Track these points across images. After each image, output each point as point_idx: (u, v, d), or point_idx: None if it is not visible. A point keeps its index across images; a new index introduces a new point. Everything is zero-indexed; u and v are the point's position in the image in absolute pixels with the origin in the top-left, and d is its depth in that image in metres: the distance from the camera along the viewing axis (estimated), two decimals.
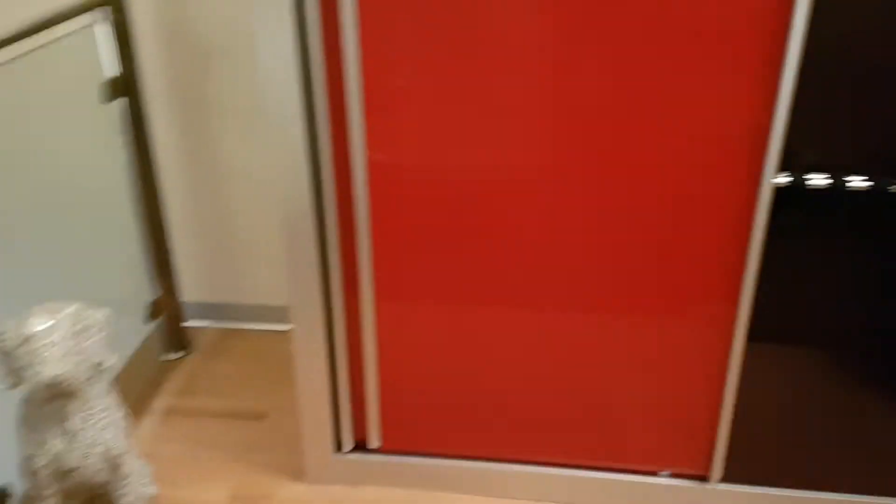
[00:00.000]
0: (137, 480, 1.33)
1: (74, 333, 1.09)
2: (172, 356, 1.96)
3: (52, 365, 1.04)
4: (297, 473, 1.58)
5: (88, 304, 1.16)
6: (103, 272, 1.73)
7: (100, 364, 1.14)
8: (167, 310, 1.93)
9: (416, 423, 1.50)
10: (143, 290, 1.87)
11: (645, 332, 1.34)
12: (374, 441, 1.52)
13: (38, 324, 1.07)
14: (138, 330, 1.85)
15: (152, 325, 1.90)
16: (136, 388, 1.83)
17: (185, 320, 1.99)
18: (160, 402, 1.81)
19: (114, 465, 1.20)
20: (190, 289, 2.02)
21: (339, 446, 1.53)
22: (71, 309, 1.11)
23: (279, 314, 2.03)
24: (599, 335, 1.36)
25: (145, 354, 1.87)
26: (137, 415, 1.77)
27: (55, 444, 1.14)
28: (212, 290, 2.05)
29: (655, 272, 1.29)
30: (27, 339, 1.06)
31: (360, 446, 1.54)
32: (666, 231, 1.26)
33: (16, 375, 1.09)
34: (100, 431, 1.17)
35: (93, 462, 1.17)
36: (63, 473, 1.16)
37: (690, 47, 1.13)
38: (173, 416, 1.77)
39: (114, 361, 1.17)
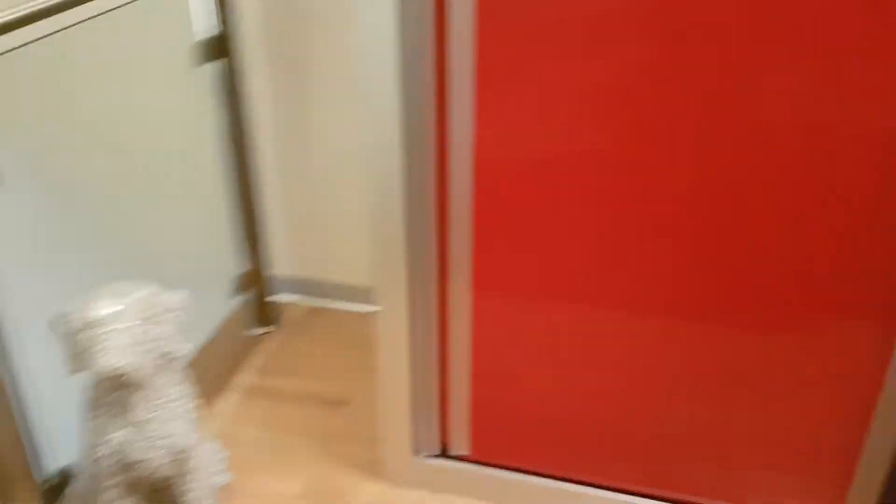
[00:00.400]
0: (207, 471, 1.26)
1: (144, 320, 1.01)
2: (258, 331, 1.89)
3: (115, 354, 0.96)
4: (376, 471, 1.48)
5: (162, 288, 1.07)
6: (192, 243, 1.66)
7: (170, 353, 1.06)
8: (255, 283, 1.85)
9: (509, 433, 1.36)
10: (231, 263, 1.80)
11: (781, 347, 1.15)
12: (460, 448, 1.39)
13: (105, 308, 0.99)
14: (225, 303, 1.79)
15: (239, 299, 1.83)
16: (220, 363, 1.77)
17: (273, 295, 1.92)
18: (242, 380, 1.74)
19: (180, 459, 1.12)
20: (279, 263, 1.94)
21: (421, 449, 1.42)
22: (141, 293, 1.02)
23: (370, 295, 1.93)
24: (725, 349, 1.18)
25: (231, 329, 1.81)
26: (219, 392, 1.70)
27: (119, 435, 1.06)
28: (301, 264, 1.97)
29: (803, 278, 1.09)
30: (91, 324, 0.98)
31: (446, 451, 1.41)
32: (823, 233, 1.06)
33: (78, 360, 1.01)
34: (167, 424, 1.09)
35: (158, 455, 1.09)
36: (126, 465, 1.09)
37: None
38: (254, 396, 1.69)
39: (186, 350, 1.08)
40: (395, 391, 1.35)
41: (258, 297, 1.87)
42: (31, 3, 1.07)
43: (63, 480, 1.26)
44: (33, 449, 1.17)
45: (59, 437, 1.29)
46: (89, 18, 1.24)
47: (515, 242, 1.19)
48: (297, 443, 1.56)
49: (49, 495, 1.22)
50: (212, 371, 1.73)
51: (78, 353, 1.00)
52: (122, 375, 0.97)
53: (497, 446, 1.38)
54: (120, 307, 0.99)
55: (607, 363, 1.24)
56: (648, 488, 1.33)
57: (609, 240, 1.14)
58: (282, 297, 1.99)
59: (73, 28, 1.21)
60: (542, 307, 1.22)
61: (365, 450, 1.53)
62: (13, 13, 1.05)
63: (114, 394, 1.04)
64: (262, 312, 1.89)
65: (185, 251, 1.63)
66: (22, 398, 1.14)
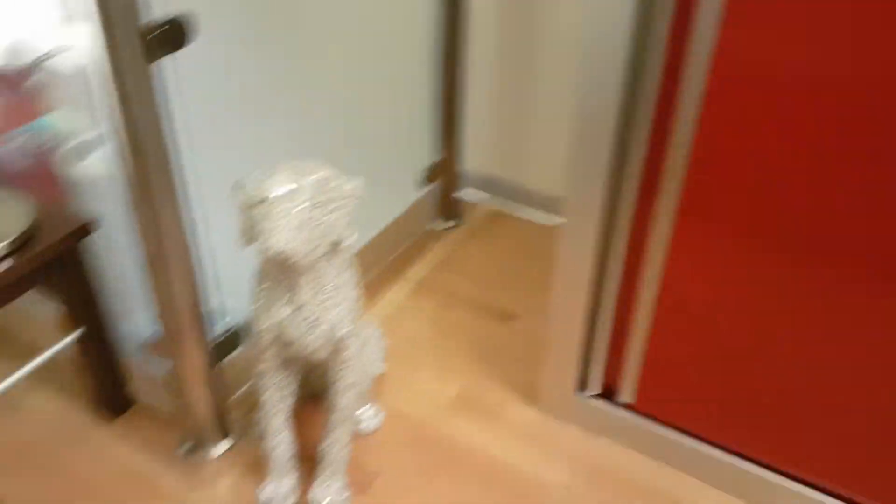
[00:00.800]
0: (365, 358, 1.24)
1: (316, 204, 0.96)
2: (439, 226, 1.85)
3: (282, 237, 0.93)
4: (532, 396, 1.41)
5: (343, 172, 1.02)
6: (388, 125, 1.62)
7: (339, 241, 1.02)
8: (444, 176, 1.79)
9: (680, 389, 1.22)
10: (424, 152, 1.75)
11: None
12: (624, 393, 1.28)
13: (280, 186, 0.95)
14: (411, 192, 1.75)
15: (425, 190, 1.78)
16: (396, 252, 1.75)
17: (460, 191, 1.85)
18: (415, 273, 1.72)
19: (337, 346, 1.11)
20: (472, 159, 1.86)
21: (583, 385, 1.32)
22: (319, 175, 0.98)
23: (559, 206, 1.81)
24: None
25: (412, 219, 1.78)
26: (390, 282, 1.69)
27: (280, 312, 1.05)
28: (494, 164, 1.88)
29: None
30: (264, 201, 0.95)
31: (609, 394, 1.31)
32: None
33: (249, 235, 1.00)
34: (327, 309, 1.06)
35: (315, 339, 1.07)
36: (284, 342, 1.08)
37: None
38: (424, 292, 1.67)
39: (354, 240, 1.03)
40: (568, 318, 1.25)
41: (444, 191, 1.82)
42: None
43: (230, 341, 1.30)
44: (207, 307, 1.20)
45: (233, 299, 1.33)
46: None
47: (737, 173, 1.00)
48: (458, 347, 1.53)
49: (216, 353, 1.26)
50: (386, 260, 1.72)
51: (249, 227, 0.98)
52: (286, 259, 0.94)
53: (664, 400, 1.25)
54: (295, 187, 0.95)
55: (815, 335, 1.06)
56: (837, 486, 1.16)
57: (853, 189, 0.94)
58: (468, 195, 1.93)
59: None
60: (751, 256, 1.05)
61: (525, 370, 1.46)
62: None
63: (281, 271, 1.02)
64: (447, 207, 1.84)
65: (379, 133, 1.59)
66: (201, 257, 1.17)
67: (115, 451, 1.31)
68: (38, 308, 1.37)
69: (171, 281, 1.11)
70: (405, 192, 1.74)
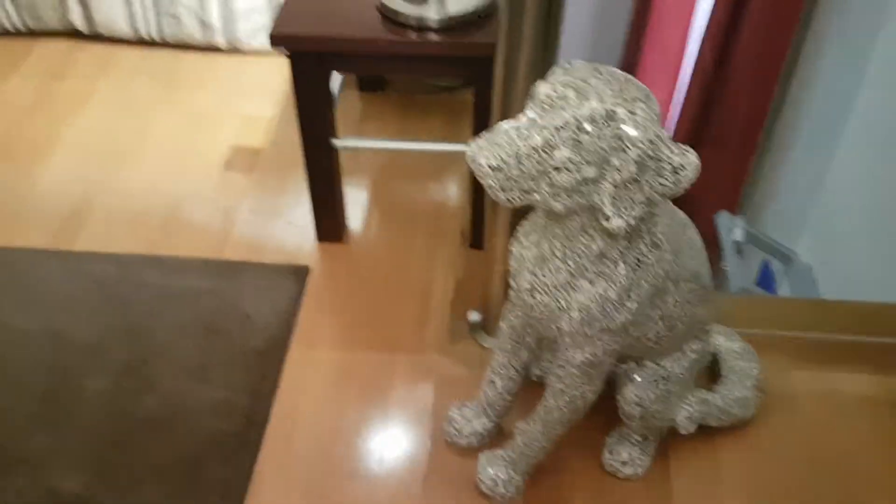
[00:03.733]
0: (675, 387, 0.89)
1: (571, 141, 0.63)
2: None
3: (484, 149, 0.65)
4: None
5: (654, 131, 0.64)
6: None
7: (598, 210, 0.67)
8: None
9: None
10: None
11: None
12: None
13: (551, 89, 0.65)
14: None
15: None
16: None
17: None
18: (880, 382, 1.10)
19: (558, 330, 0.79)
20: None
21: None
22: (609, 105, 0.63)
23: None
24: None
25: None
26: (858, 357, 1.12)
27: (527, 248, 0.78)
28: None
29: None
30: (531, 97, 0.67)
31: None
32: None
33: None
34: (562, 284, 0.75)
35: (534, 303, 0.78)
36: (517, 283, 0.82)
37: None
38: (871, 407, 1.06)
39: (620, 225, 0.67)
40: None
41: None
42: None
43: None
44: None
45: None
46: None
47: None
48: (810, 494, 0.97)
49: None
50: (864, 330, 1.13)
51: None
52: (481, 177, 0.66)
53: None
54: (564, 100, 0.63)
55: None
56: None
57: None
58: None
59: None
60: None
61: None
62: None
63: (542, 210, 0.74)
64: None
65: None
66: None
67: (439, 271, 1.28)
68: None
69: None
70: None
